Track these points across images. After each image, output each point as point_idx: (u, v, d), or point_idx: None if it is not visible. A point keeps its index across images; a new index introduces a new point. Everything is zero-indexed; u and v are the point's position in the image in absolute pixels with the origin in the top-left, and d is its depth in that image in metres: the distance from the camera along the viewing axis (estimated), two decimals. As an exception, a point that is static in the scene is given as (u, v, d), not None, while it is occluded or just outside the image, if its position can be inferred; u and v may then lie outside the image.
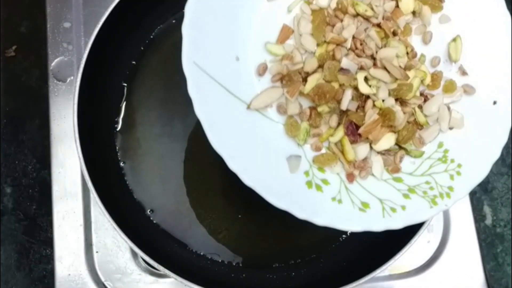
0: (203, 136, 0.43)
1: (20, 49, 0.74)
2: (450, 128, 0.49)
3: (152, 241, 0.60)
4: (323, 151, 0.47)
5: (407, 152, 0.48)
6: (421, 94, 0.49)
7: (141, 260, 0.63)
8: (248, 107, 0.46)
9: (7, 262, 0.69)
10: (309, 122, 0.47)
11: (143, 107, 0.65)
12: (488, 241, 0.71)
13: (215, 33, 0.45)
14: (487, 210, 0.73)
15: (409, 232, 0.56)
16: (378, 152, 0.48)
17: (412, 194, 0.46)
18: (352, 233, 0.63)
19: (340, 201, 0.45)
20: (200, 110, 0.43)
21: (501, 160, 0.74)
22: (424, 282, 0.64)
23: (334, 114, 0.47)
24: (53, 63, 0.68)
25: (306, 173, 0.46)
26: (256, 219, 0.63)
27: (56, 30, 0.69)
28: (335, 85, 0.46)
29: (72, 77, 0.68)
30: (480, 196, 0.73)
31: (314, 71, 0.46)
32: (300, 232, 0.63)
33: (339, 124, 0.47)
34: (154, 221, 0.62)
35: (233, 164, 0.42)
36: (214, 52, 0.45)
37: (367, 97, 0.46)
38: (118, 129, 0.64)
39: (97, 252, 0.63)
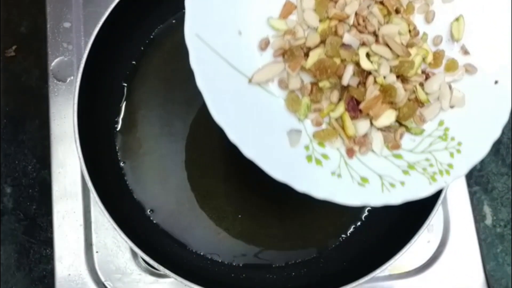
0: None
1: (20, 49, 0.74)
2: (451, 107, 0.49)
3: (152, 241, 0.60)
4: (324, 126, 0.48)
5: (408, 129, 0.48)
6: (423, 72, 0.49)
7: (141, 260, 0.63)
8: (250, 81, 0.46)
9: (7, 262, 0.69)
10: (310, 97, 0.47)
11: (143, 107, 0.65)
12: (488, 241, 0.71)
13: (218, 7, 0.45)
14: (487, 210, 0.73)
15: (409, 232, 0.56)
16: (379, 129, 0.48)
17: (411, 170, 0.46)
18: (352, 233, 0.63)
19: (339, 176, 0.45)
20: (202, 82, 0.43)
21: (501, 160, 0.74)
22: (424, 282, 0.64)
23: (335, 90, 0.47)
24: (53, 63, 0.68)
25: (306, 147, 0.46)
26: (256, 219, 0.63)
27: (56, 30, 0.69)
28: (337, 61, 0.46)
29: (72, 77, 0.68)
30: (480, 196, 0.73)
31: (316, 46, 0.47)
32: (300, 232, 0.63)
33: (340, 99, 0.47)
34: (154, 221, 0.62)
35: (233, 136, 0.42)
36: (217, 26, 0.45)
37: (369, 73, 0.47)
38: (118, 129, 0.64)
39: (97, 252, 0.63)
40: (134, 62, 0.66)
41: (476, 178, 0.74)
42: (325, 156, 0.46)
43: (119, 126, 0.64)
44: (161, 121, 0.65)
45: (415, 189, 0.46)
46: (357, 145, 0.47)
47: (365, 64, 0.46)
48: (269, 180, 0.65)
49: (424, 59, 0.49)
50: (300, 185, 0.43)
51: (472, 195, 0.69)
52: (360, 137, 0.47)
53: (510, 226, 0.72)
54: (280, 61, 0.47)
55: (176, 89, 0.66)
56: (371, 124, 0.47)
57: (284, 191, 0.65)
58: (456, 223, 0.66)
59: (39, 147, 0.71)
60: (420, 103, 0.48)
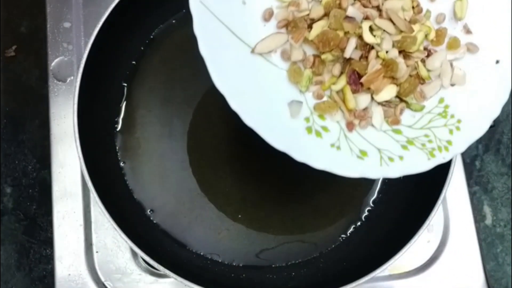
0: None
1: (20, 49, 0.74)
2: (452, 85, 0.49)
3: (152, 241, 0.60)
4: (325, 99, 0.48)
5: (408, 105, 0.49)
6: (425, 49, 0.49)
7: (141, 260, 0.63)
8: (252, 50, 0.46)
9: (7, 262, 0.69)
10: (312, 69, 0.47)
11: (143, 107, 0.65)
12: (488, 241, 0.71)
13: None
14: (487, 210, 0.73)
15: (409, 232, 0.56)
16: (379, 103, 0.48)
17: (410, 145, 0.46)
18: (352, 233, 0.63)
19: (338, 148, 0.45)
20: (204, 49, 0.42)
21: (501, 160, 0.74)
22: (424, 282, 0.64)
23: (337, 63, 0.47)
24: (53, 63, 0.68)
25: (307, 119, 0.46)
26: (256, 219, 0.63)
27: (56, 30, 0.69)
28: (340, 33, 0.46)
29: (72, 77, 0.68)
30: (480, 196, 0.73)
31: (320, 19, 0.47)
32: (300, 232, 0.63)
33: (341, 73, 0.47)
34: (154, 221, 0.62)
35: (234, 104, 0.42)
36: None
37: (371, 47, 0.47)
38: (118, 129, 0.64)
39: (97, 252, 0.63)
40: (134, 62, 0.66)
41: (476, 178, 0.74)
42: (325, 129, 0.46)
43: (119, 126, 0.64)
44: (161, 121, 0.65)
45: (414, 164, 0.46)
46: (357, 119, 0.47)
47: (368, 38, 0.46)
48: (269, 180, 0.65)
49: (426, 36, 0.49)
50: (299, 155, 0.43)
51: (472, 195, 0.69)
52: (360, 110, 0.47)
53: (510, 226, 0.72)
54: (284, 32, 0.47)
55: (176, 89, 0.65)
56: (372, 98, 0.48)
57: (284, 192, 0.65)
58: (456, 223, 0.66)
59: (39, 147, 0.71)
60: (421, 80, 0.49)
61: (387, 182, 0.64)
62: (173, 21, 0.67)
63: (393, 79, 0.47)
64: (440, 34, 0.49)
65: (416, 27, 0.48)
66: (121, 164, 0.63)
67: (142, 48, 0.66)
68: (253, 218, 0.63)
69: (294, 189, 0.64)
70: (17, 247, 0.69)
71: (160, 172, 0.63)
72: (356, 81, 0.47)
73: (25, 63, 0.74)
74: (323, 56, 0.47)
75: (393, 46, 0.47)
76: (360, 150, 0.46)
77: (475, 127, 0.47)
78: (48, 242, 0.69)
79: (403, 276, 0.64)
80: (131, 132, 0.64)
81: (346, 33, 0.46)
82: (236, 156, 0.65)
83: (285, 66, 0.47)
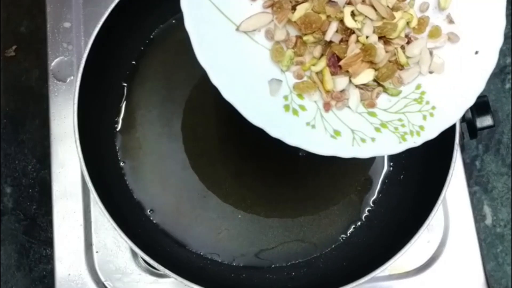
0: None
1: (20, 49, 0.75)
2: (430, 72, 0.50)
3: (152, 241, 0.60)
4: (304, 79, 0.49)
5: (385, 90, 0.50)
6: (406, 36, 0.50)
7: (141, 260, 0.63)
8: (237, 28, 0.47)
9: (7, 262, 0.69)
10: (294, 50, 0.49)
11: (143, 107, 0.65)
12: (488, 241, 0.71)
13: None
14: (487, 210, 0.73)
15: (409, 232, 0.56)
16: (356, 86, 0.49)
17: (383, 128, 0.48)
18: (352, 233, 0.63)
19: (313, 126, 0.47)
20: (190, 23, 0.44)
21: (501, 160, 0.74)
22: (424, 282, 0.64)
23: (318, 45, 0.49)
24: (53, 63, 0.68)
25: (285, 97, 0.48)
26: (256, 219, 0.63)
27: (56, 30, 0.69)
28: (323, 17, 0.48)
29: (72, 77, 0.68)
30: (480, 196, 0.73)
31: (304, 1, 0.48)
32: (300, 232, 0.63)
33: (322, 55, 0.49)
34: (154, 221, 0.62)
35: (215, 79, 0.44)
36: None
37: (352, 31, 0.48)
38: (118, 129, 0.64)
39: (97, 252, 0.63)
40: (134, 62, 0.66)
41: (476, 178, 0.74)
42: (302, 107, 0.48)
43: (119, 126, 0.64)
44: (161, 121, 0.65)
45: (384, 146, 0.47)
46: (334, 100, 0.48)
47: (349, 22, 0.47)
48: (269, 180, 0.65)
49: (408, 24, 0.50)
50: (274, 131, 0.44)
51: (472, 195, 0.69)
52: (337, 92, 0.48)
53: (510, 226, 0.72)
54: (269, 12, 0.49)
55: (176, 89, 0.65)
56: (350, 81, 0.49)
57: (284, 192, 0.65)
58: (456, 223, 0.66)
59: (39, 147, 0.72)
60: (399, 66, 0.50)
61: (387, 182, 0.64)
62: (173, 21, 0.67)
63: (372, 64, 0.49)
64: (422, 22, 0.50)
65: (398, 14, 0.49)
66: (121, 164, 0.63)
67: (142, 48, 0.66)
68: (253, 218, 0.63)
69: (294, 189, 0.64)
70: (17, 247, 0.69)
71: (160, 172, 0.63)
72: (335, 64, 0.48)
73: (25, 63, 0.74)
74: (304, 38, 0.48)
75: (374, 31, 0.48)
76: (334, 130, 0.47)
77: (449, 115, 0.48)
78: (48, 242, 0.69)
79: (403, 276, 0.64)
80: (131, 132, 0.64)
81: (328, 16, 0.48)
82: (236, 156, 0.65)
83: (268, 45, 0.49)
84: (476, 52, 0.50)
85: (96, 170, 0.57)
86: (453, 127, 0.58)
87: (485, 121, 0.63)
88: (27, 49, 0.74)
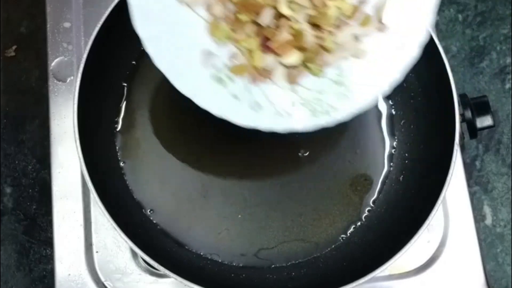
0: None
1: (20, 49, 0.75)
2: (353, 57, 0.53)
3: (152, 241, 0.60)
4: (237, 53, 0.52)
5: (309, 70, 0.52)
6: (337, 22, 0.52)
7: (141, 260, 0.63)
8: None
9: (7, 262, 0.69)
10: (231, 26, 0.51)
11: (143, 107, 0.65)
12: (488, 241, 0.71)
13: None
14: (487, 210, 0.73)
15: (409, 232, 0.56)
16: (283, 65, 0.52)
17: (301, 105, 0.52)
18: (352, 233, 0.63)
19: (238, 99, 0.51)
20: None
21: (501, 160, 0.74)
22: (424, 282, 0.64)
23: (253, 25, 0.51)
24: (53, 63, 0.68)
25: (217, 70, 0.51)
26: (256, 219, 0.63)
27: (56, 30, 0.69)
28: (261, 1, 0.50)
29: (72, 77, 0.68)
30: (480, 196, 0.73)
31: None
32: (300, 232, 0.63)
33: (255, 34, 0.51)
34: (154, 221, 0.62)
35: (149, 47, 0.47)
36: None
37: (285, 17, 0.51)
38: (118, 129, 0.64)
39: (97, 252, 0.63)
40: (134, 62, 0.66)
41: (476, 178, 0.74)
42: (230, 79, 0.51)
43: (119, 126, 0.64)
44: (161, 121, 0.65)
45: (298, 122, 0.51)
46: (261, 76, 0.51)
47: (283, 9, 0.50)
48: (269, 180, 0.65)
49: (341, 10, 0.52)
50: (202, 102, 0.48)
51: (472, 195, 0.69)
52: (265, 69, 0.51)
53: (510, 226, 0.72)
54: None
55: (176, 89, 0.65)
56: (277, 60, 0.51)
57: (284, 192, 0.65)
58: (456, 223, 0.66)
59: (39, 147, 0.72)
60: (326, 50, 0.52)
61: (387, 182, 0.64)
62: (173, 21, 0.67)
63: (300, 47, 0.51)
64: (354, 10, 0.52)
65: (331, 2, 0.51)
66: (121, 164, 0.63)
67: (142, 48, 0.66)
68: (253, 218, 0.63)
69: (294, 189, 0.64)
70: (17, 247, 0.69)
71: (160, 172, 0.63)
72: (266, 44, 0.51)
73: (25, 63, 0.74)
74: (241, 17, 0.51)
75: (306, 19, 0.51)
76: (257, 103, 0.51)
77: (362, 99, 0.52)
78: (48, 242, 0.69)
79: (403, 276, 0.64)
80: (131, 132, 0.64)
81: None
82: (236, 156, 0.65)
83: (208, 19, 0.51)
84: (401, 44, 0.52)
85: (96, 170, 0.57)
86: (453, 127, 0.58)
87: (485, 121, 0.63)
88: (27, 49, 0.74)
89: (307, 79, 0.52)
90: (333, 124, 0.51)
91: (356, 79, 0.52)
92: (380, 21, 0.53)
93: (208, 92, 0.50)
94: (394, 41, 0.52)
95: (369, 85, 0.52)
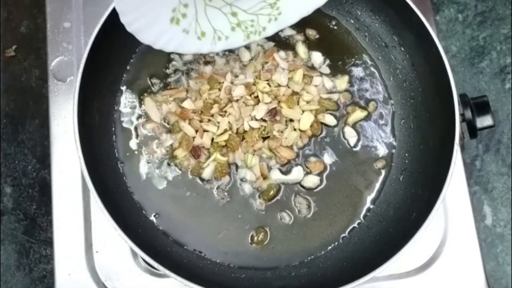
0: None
1: (20, 49, 0.75)
2: None
3: (152, 241, 0.60)
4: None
5: None
6: None
7: (141, 260, 0.63)
8: None
9: (7, 262, 0.69)
10: None
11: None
12: (488, 241, 0.71)
13: None
14: (487, 210, 0.73)
15: (409, 232, 0.56)
16: None
17: (237, 28, 0.58)
18: (352, 233, 0.63)
19: (187, 32, 0.57)
20: None
21: (501, 160, 0.74)
22: (424, 282, 0.64)
23: None
24: (53, 63, 0.68)
25: (173, 10, 0.56)
26: (256, 219, 0.63)
27: (56, 30, 0.69)
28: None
29: (72, 77, 0.68)
30: (480, 196, 0.73)
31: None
32: (300, 232, 0.63)
33: None
34: (154, 222, 0.62)
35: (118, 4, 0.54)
36: None
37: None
38: (118, 129, 0.64)
39: (97, 252, 0.63)
40: (133, 62, 0.66)
41: (476, 178, 0.74)
42: (184, 16, 0.57)
43: (119, 126, 0.64)
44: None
45: (234, 43, 0.58)
46: None
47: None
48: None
49: None
50: (161, 46, 0.56)
51: (472, 195, 0.69)
52: None
53: (510, 226, 0.72)
54: None
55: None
56: None
57: (285, 192, 0.65)
58: (456, 223, 0.66)
59: (39, 147, 0.72)
60: None
61: (387, 182, 0.64)
62: (173, 21, 0.66)
63: None
64: None
65: None
66: (121, 164, 0.63)
67: (141, 48, 0.66)
68: (253, 218, 0.63)
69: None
70: (17, 247, 0.69)
71: (159, 172, 0.63)
72: None
73: (25, 63, 0.74)
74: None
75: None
76: (202, 31, 0.57)
77: (288, 19, 0.58)
78: (48, 242, 0.69)
79: (403, 276, 0.64)
80: (131, 133, 0.64)
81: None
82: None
83: None
84: None
85: (96, 170, 0.57)
86: (453, 127, 0.58)
87: (485, 121, 0.63)
88: (27, 49, 0.74)
89: (246, 2, 0.58)
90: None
91: (289, 3, 0.57)
92: None
93: (166, 33, 0.56)
94: None
95: (297, 8, 0.57)
